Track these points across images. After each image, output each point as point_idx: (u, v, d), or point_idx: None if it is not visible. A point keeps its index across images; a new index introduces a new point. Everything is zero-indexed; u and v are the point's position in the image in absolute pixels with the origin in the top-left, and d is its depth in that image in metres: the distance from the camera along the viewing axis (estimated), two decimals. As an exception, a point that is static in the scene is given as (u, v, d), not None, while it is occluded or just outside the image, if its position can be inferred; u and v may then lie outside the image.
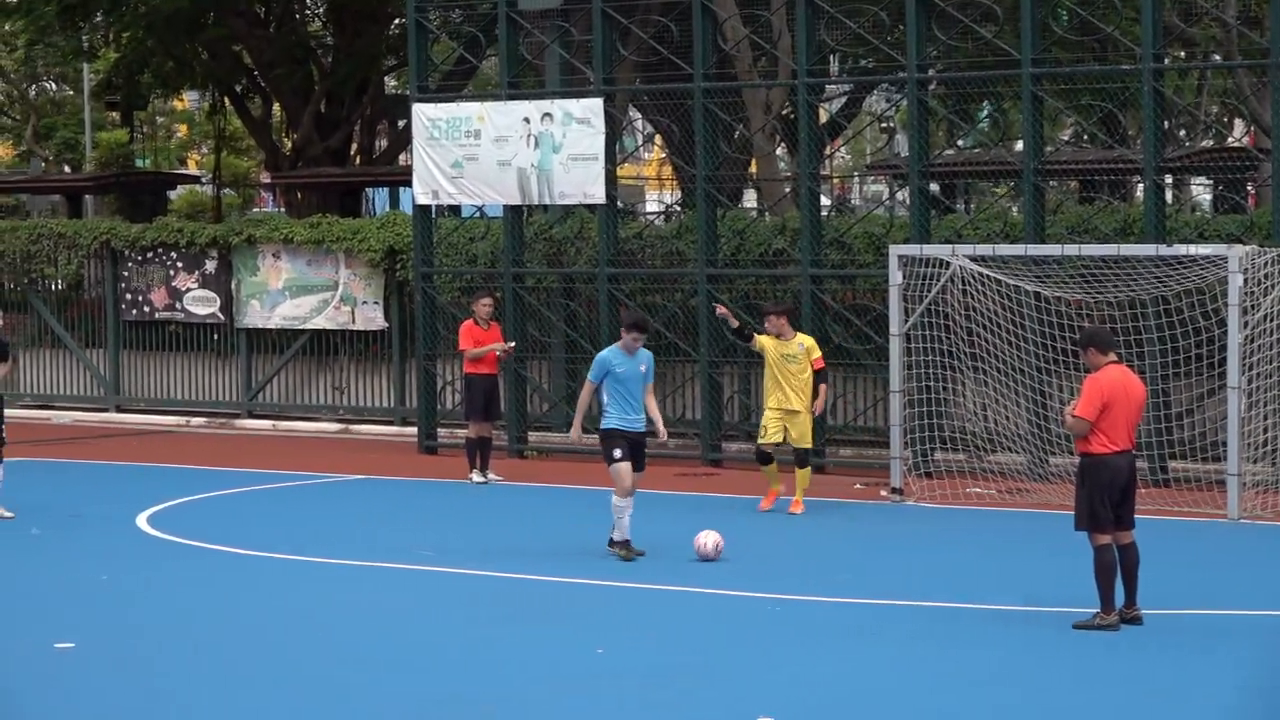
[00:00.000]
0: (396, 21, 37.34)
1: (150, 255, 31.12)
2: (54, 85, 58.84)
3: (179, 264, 30.87)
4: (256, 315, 30.21)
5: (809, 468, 20.98)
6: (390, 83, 44.21)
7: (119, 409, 31.77)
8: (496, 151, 25.58)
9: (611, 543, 18.05)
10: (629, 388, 17.90)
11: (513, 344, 24.32)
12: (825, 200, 34.04)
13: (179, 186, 50.04)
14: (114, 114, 49.74)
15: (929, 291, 21.83)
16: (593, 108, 25.00)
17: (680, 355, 25.26)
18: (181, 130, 60.74)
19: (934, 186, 28.34)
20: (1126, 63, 23.92)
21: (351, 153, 39.17)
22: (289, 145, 39.98)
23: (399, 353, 28.92)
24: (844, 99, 37.64)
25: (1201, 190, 37.60)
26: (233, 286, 30.37)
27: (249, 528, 20.11)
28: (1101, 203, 26.36)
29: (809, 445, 20.85)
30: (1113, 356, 14.80)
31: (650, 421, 18.12)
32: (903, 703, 12.65)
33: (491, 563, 17.65)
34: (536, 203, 25.88)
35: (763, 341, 20.75)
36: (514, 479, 23.76)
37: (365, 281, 29.14)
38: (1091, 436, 14.50)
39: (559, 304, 26.35)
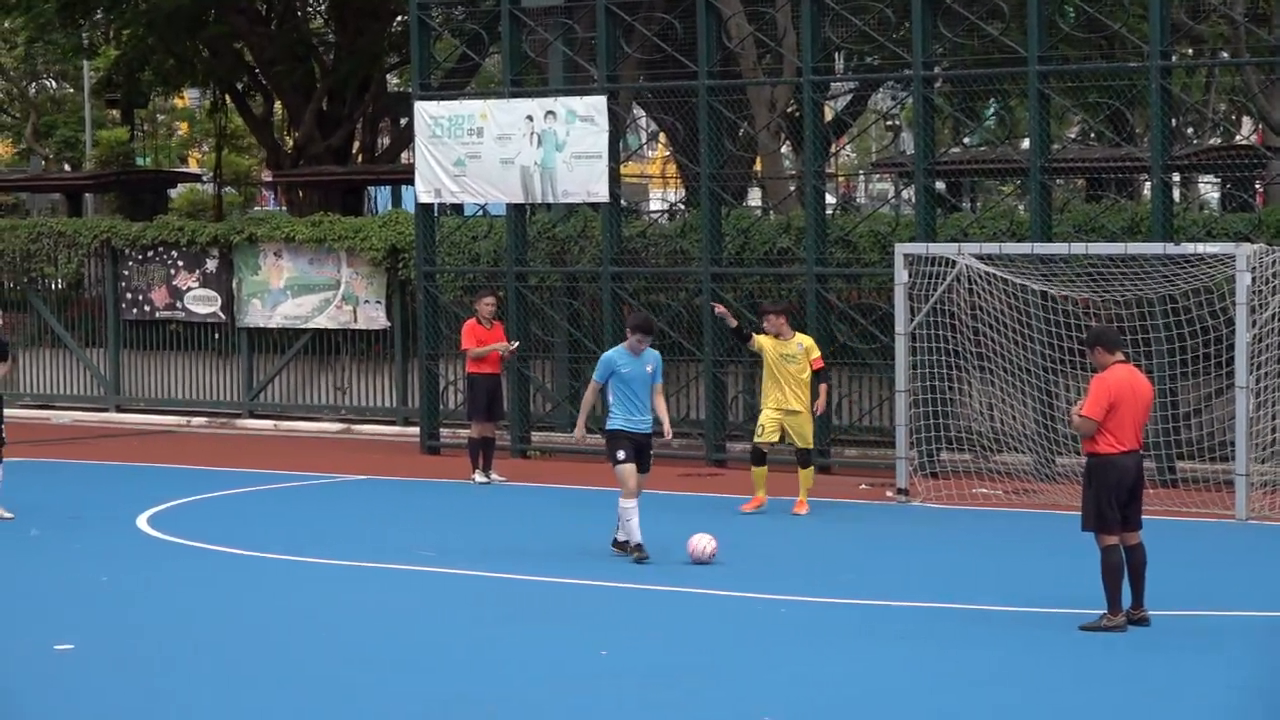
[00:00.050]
0: (399, 18, 37.33)
1: (151, 254, 31.08)
2: (54, 83, 58.83)
3: (180, 263, 30.82)
4: (258, 314, 30.16)
5: (812, 468, 20.95)
6: (392, 80, 44.26)
7: (119, 409, 31.74)
8: (499, 149, 25.50)
9: (615, 543, 18.00)
10: (634, 389, 17.83)
11: (516, 343, 24.26)
12: (830, 199, 34.00)
13: (180, 185, 50.16)
14: (114, 112, 49.72)
15: (935, 290, 21.80)
16: (596, 105, 24.92)
17: (684, 355, 25.19)
18: (182, 128, 60.73)
19: (940, 185, 28.37)
20: (1134, 60, 23.90)
21: (353, 151, 39.18)
22: (290, 143, 39.98)
23: (401, 352, 28.89)
24: (849, 96, 37.64)
25: (1209, 188, 37.51)
26: (234, 285, 30.32)
27: (250, 528, 20.07)
28: (1108, 201, 26.25)
29: (810, 446, 20.80)
30: (1120, 356, 14.76)
31: (657, 421, 18.04)
32: (907, 704, 12.63)
33: (494, 563, 17.63)
34: (540, 201, 25.82)
35: (761, 341, 20.69)
36: (517, 479, 23.72)
37: (367, 280, 29.09)
38: (1098, 436, 14.46)
39: (562, 303, 26.31)
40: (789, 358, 20.52)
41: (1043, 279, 21.67)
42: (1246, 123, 43.66)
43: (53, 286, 32.53)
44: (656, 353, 18.19)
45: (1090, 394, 14.50)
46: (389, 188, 42.94)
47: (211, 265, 30.52)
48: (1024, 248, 21.88)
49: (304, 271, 29.64)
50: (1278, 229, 21.75)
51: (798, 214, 25.39)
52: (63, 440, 28.53)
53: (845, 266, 24.28)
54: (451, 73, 30.66)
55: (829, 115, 32.51)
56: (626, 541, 17.81)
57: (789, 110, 29.37)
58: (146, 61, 39.34)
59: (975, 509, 21.00)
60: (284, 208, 41.60)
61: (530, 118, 25.31)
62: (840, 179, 50.74)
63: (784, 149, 32.45)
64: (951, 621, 15.14)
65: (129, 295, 31.31)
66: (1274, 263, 20.35)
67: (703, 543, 17.49)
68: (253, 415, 30.56)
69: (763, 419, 20.69)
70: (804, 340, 20.78)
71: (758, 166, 31.80)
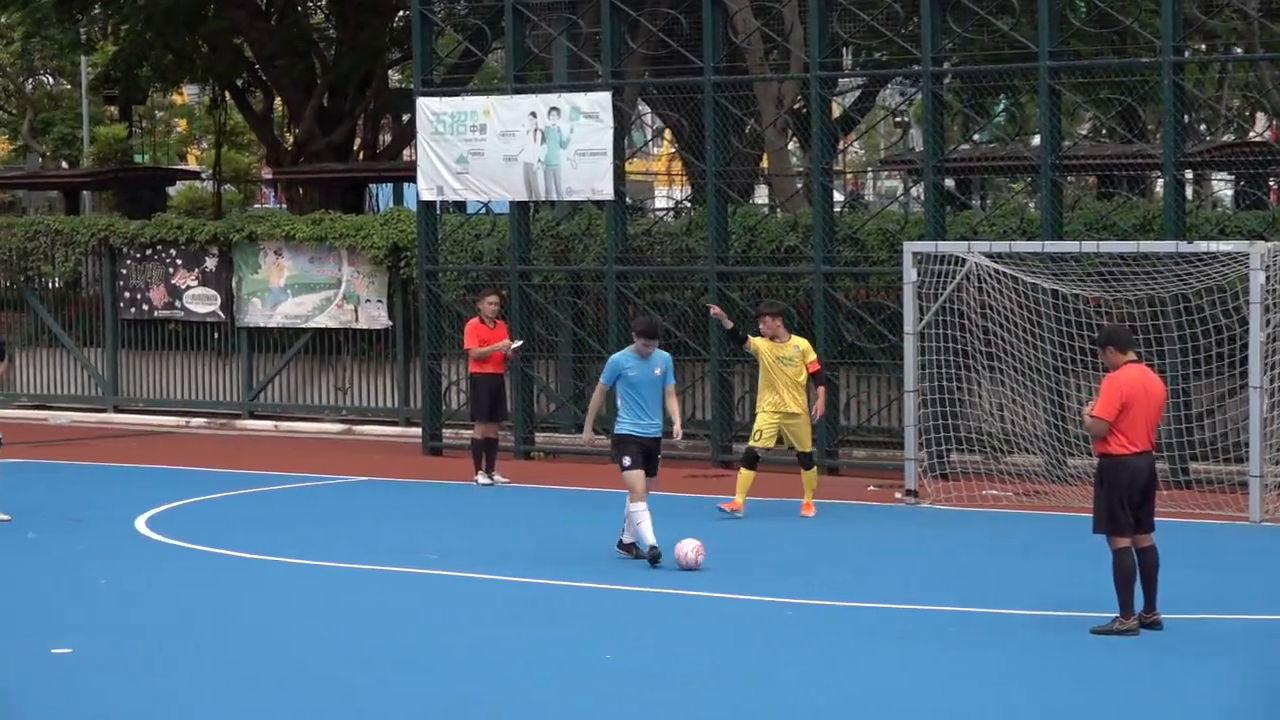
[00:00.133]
0: (400, 14, 37.38)
1: (149, 252, 31.03)
2: (51, 79, 58.85)
3: (178, 261, 30.75)
4: (258, 313, 30.10)
5: (815, 468, 20.96)
6: (394, 76, 44.26)
7: (117, 409, 31.69)
8: (502, 146, 25.45)
9: (621, 545, 17.97)
10: (641, 392, 17.78)
11: (520, 342, 24.21)
12: (838, 196, 34.05)
13: (178, 182, 50.19)
14: (112, 108, 49.73)
15: (944, 289, 21.73)
16: (601, 102, 24.87)
17: (690, 355, 25.17)
18: (181, 125, 60.76)
19: (949, 182, 28.35)
20: (1146, 55, 23.83)
21: (354, 148, 39.16)
22: (291, 140, 39.95)
23: (403, 352, 28.86)
24: (857, 93, 37.60)
25: (1222, 186, 37.50)
26: (233, 284, 30.27)
27: (250, 530, 20.03)
28: (1120, 199, 26.25)
29: (809, 448, 20.75)
30: (1132, 355, 14.76)
31: (668, 421, 18.00)
32: (915, 706, 12.61)
33: (497, 566, 17.63)
34: (543, 199, 25.81)
35: (757, 344, 20.62)
36: (520, 481, 23.70)
37: (369, 279, 29.04)
38: (1110, 437, 14.42)
39: (566, 302, 26.27)
40: (785, 360, 20.46)
41: (1054, 277, 21.61)
42: (1260, 119, 43.74)
43: (50, 285, 32.49)
44: (666, 354, 18.16)
45: (1102, 394, 14.46)
46: (391, 185, 42.82)
47: (211, 264, 30.46)
48: (1035, 246, 21.84)
49: (304, 270, 29.58)
50: (1292, 227, 21.67)
51: (805, 212, 25.35)
52: (60, 441, 28.47)
53: (853, 265, 24.25)
54: (454, 68, 30.66)
55: (837, 111, 32.44)
56: (633, 544, 17.76)
57: (796, 106, 29.44)
58: (145, 57, 39.29)
59: (985, 511, 20.97)
60: (284, 205, 41.52)
61: (534, 114, 25.24)
62: (848, 176, 50.80)
63: (791, 146, 32.53)
64: (961, 625, 15.14)
65: (127, 294, 31.25)
66: (1289, 261, 20.31)
67: (685, 549, 17.29)
68: (253, 416, 30.53)
69: (760, 423, 20.62)
70: (800, 343, 20.71)
71: (764, 163, 31.79)
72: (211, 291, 30.46)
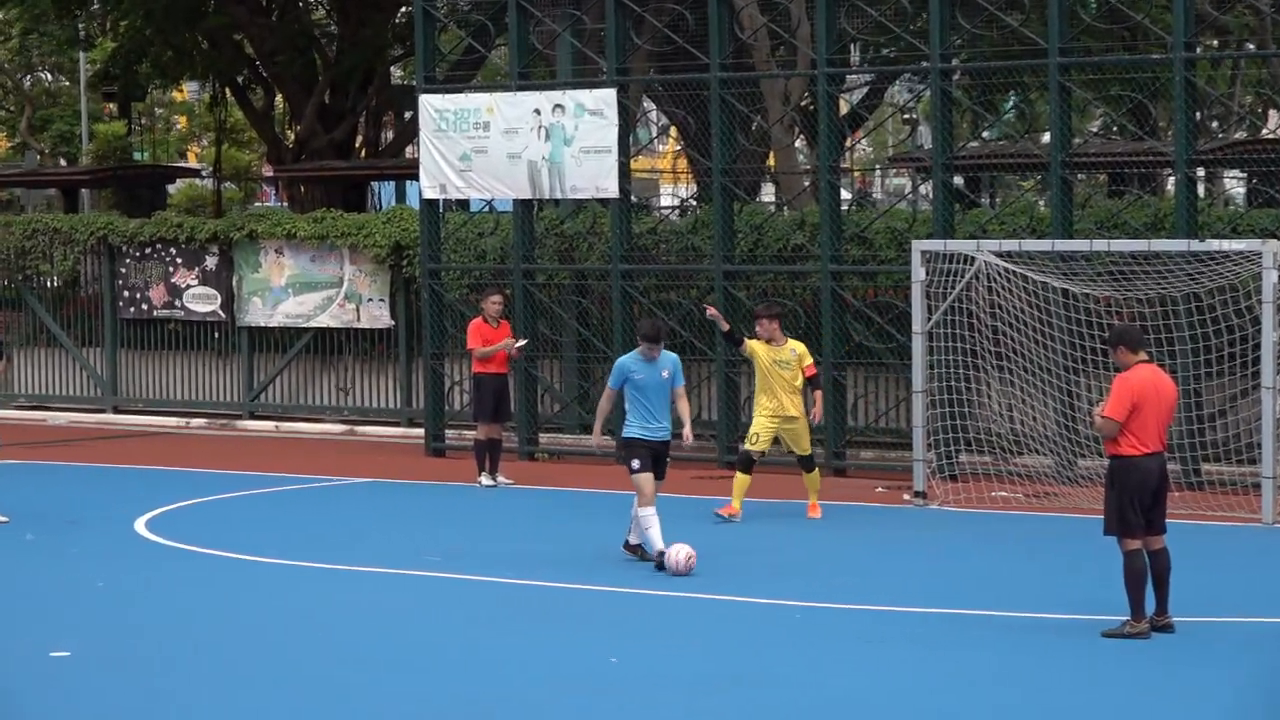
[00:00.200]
0: (403, 9, 37.39)
1: (149, 251, 30.97)
2: (49, 76, 58.93)
3: (178, 260, 30.69)
4: (258, 313, 30.03)
5: (816, 469, 20.91)
6: (396, 73, 44.26)
7: (117, 410, 31.65)
8: (506, 144, 25.38)
9: (627, 545, 17.96)
10: (649, 396, 17.71)
11: (524, 340, 24.14)
12: (846, 194, 34.05)
13: (178, 180, 50.35)
14: (111, 105, 49.79)
15: (953, 288, 21.68)
16: (605, 99, 24.80)
17: (696, 355, 25.10)
18: (181, 122, 60.86)
19: (958, 180, 28.30)
20: (1157, 52, 23.82)
21: (356, 145, 39.21)
22: (292, 138, 39.92)
23: (405, 352, 28.81)
24: (865, 89, 37.65)
25: (1235, 184, 37.46)
26: (234, 283, 30.22)
27: (251, 532, 19.99)
28: (1131, 197, 26.17)
29: (809, 451, 20.69)
30: (1143, 355, 14.73)
31: (678, 423, 17.95)
32: (918, 708, 12.61)
33: (500, 568, 17.62)
34: (547, 197, 25.78)
35: (754, 347, 20.54)
36: (524, 482, 23.66)
37: (370, 278, 28.98)
38: (1121, 438, 14.37)
39: (570, 301, 26.21)
40: (782, 364, 20.41)
41: (1064, 277, 21.56)
42: (1273, 116, 43.74)
43: (48, 284, 32.44)
44: (674, 355, 18.09)
45: (1112, 394, 14.42)
46: (393, 183, 42.84)
47: (211, 263, 30.41)
48: (1044, 244, 21.79)
49: (306, 269, 29.52)
50: (1305, 225, 21.61)
51: (812, 210, 25.29)
52: (59, 442, 28.44)
53: (861, 264, 24.21)
54: (457, 65, 30.66)
55: (844, 108, 32.38)
56: (639, 545, 17.74)
57: (803, 103, 29.52)
58: (144, 54, 39.35)
59: (995, 512, 20.93)
60: (285, 204, 41.53)
61: (538, 111, 25.16)
62: (856, 174, 50.90)
63: (798, 143, 32.49)
64: (970, 627, 15.09)
65: (126, 293, 31.20)
66: (1301, 259, 20.22)
67: (677, 555, 17.14)
68: (253, 416, 30.50)
69: (757, 426, 20.54)
70: (797, 347, 20.65)
71: (771, 161, 31.81)
72: (212, 291, 30.40)
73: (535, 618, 15.45)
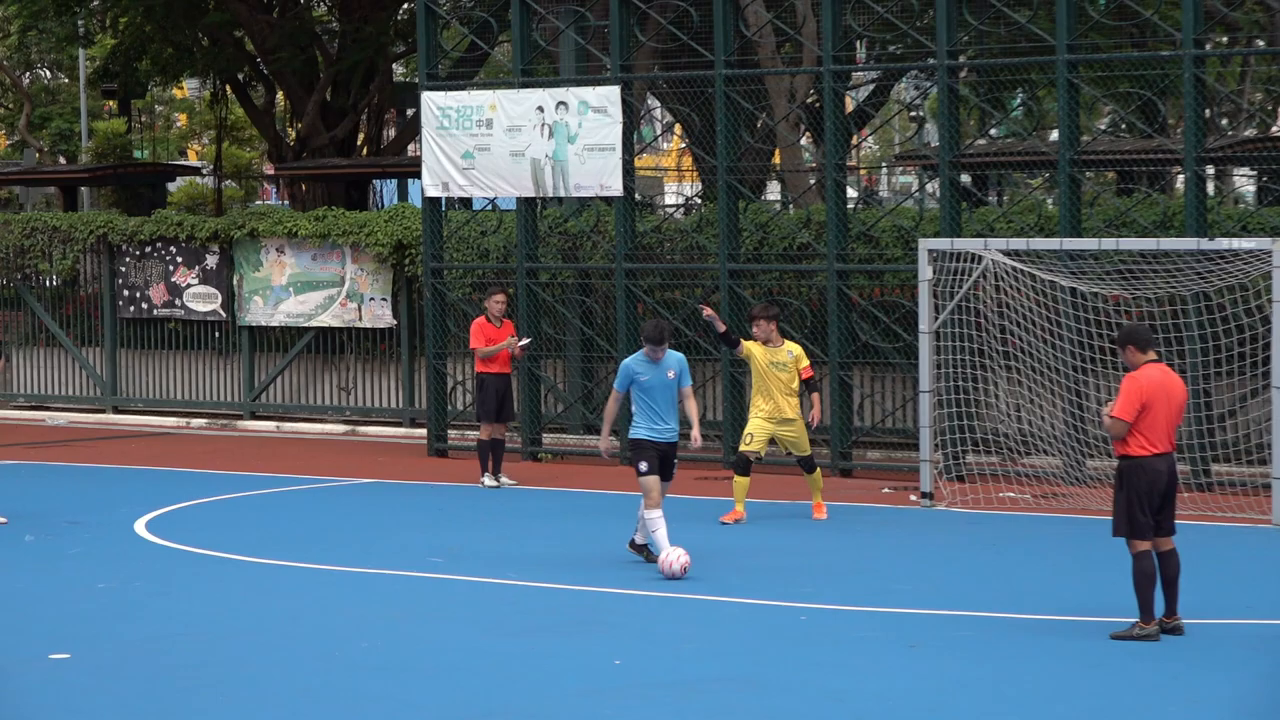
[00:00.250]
0: (405, 6, 37.44)
1: (149, 250, 30.95)
2: (48, 73, 58.90)
3: (178, 259, 30.65)
4: (259, 312, 30.00)
5: (818, 470, 20.86)
6: (398, 70, 44.25)
7: (116, 410, 31.64)
8: (509, 142, 25.33)
9: (633, 544, 17.94)
10: (654, 397, 17.63)
11: (527, 339, 24.10)
12: (852, 192, 33.98)
13: (178, 178, 50.48)
14: (111, 103, 49.78)
15: (960, 287, 21.62)
16: (609, 96, 24.74)
17: (701, 354, 25.08)
18: (181, 120, 60.91)
19: (965, 178, 28.18)
20: (1166, 49, 23.81)
21: (358, 143, 39.25)
22: (293, 135, 39.86)
23: (408, 351, 28.76)
24: (871, 87, 37.71)
25: (1244, 181, 37.35)
26: (234, 282, 30.19)
27: (251, 533, 19.97)
28: (1140, 195, 26.07)
29: (809, 452, 20.61)
30: (1152, 355, 14.70)
31: (686, 424, 17.88)
32: (923, 710, 12.60)
33: (503, 569, 17.59)
34: (551, 195, 25.70)
35: (750, 348, 20.47)
36: (528, 483, 23.64)
37: (372, 277, 28.94)
38: (1130, 438, 14.35)
39: (574, 300, 26.19)
40: (779, 366, 20.34)
41: (1072, 275, 21.53)
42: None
43: (47, 283, 32.43)
44: (679, 355, 17.94)
45: (1121, 394, 14.39)
46: (395, 181, 42.87)
47: (211, 261, 30.38)
48: (1052, 243, 21.73)
49: (307, 268, 29.48)
50: (1316, 223, 21.54)
51: (818, 208, 25.26)
52: (58, 442, 28.44)
53: (867, 262, 24.18)
54: (460, 62, 30.65)
55: (850, 106, 32.32)
56: (644, 545, 17.71)
57: (809, 101, 29.54)
58: (144, 51, 39.43)
59: (1002, 513, 20.89)
60: (286, 202, 41.50)
61: (541, 109, 25.12)
62: (862, 172, 50.94)
63: (804, 141, 32.55)
64: (977, 629, 15.03)
65: (126, 292, 31.17)
66: (1313, 258, 20.20)
67: (671, 559, 17.03)
68: (254, 416, 30.48)
69: (752, 427, 20.45)
70: (794, 348, 20.57)
71: (776, 159, 31.78)
72: (212, 290, 30.37)
73: (539, 619, 15.42)
